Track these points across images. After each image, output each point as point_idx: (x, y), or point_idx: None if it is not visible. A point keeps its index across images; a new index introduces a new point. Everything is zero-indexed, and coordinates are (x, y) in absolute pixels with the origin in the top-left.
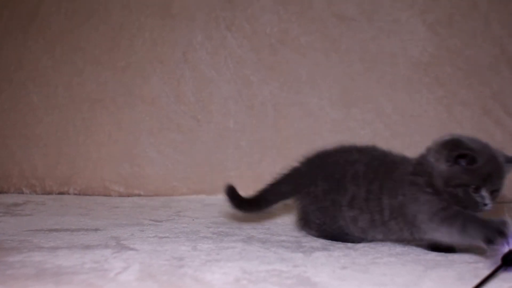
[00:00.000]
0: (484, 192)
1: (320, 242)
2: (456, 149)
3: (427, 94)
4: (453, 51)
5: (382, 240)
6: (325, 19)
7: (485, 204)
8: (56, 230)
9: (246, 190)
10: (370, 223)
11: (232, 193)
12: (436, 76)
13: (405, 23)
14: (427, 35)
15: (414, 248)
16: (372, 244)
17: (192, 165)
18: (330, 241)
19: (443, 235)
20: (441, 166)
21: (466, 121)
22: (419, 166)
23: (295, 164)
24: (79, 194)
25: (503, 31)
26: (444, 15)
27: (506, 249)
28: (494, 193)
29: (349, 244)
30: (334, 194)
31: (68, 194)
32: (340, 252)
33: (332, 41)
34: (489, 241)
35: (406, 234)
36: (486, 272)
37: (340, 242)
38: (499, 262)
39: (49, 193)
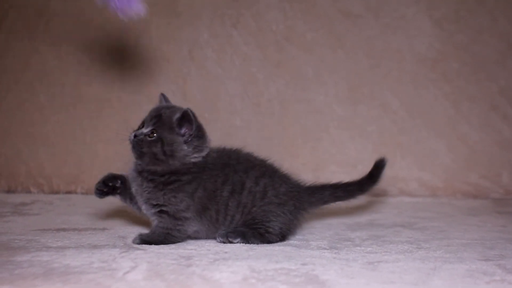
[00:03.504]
0: None
1: (328, 240)
2: None
3: (434, 90)
4: (460, 46)
5: None
6: (331, 16)
7: None
8: (64, 229)
9: None
10: None
11: None
12: (443, 72)
13: (412, 19)
14: (434, 31)
15: (423, 245)
16: (379, 242)
17: None
18: (337, 239)
19: None
20: None
21: (473, 117)
22: None
23: None
24: (87, 193)
25: (510, 27)
26: (451, 11)
27: None
28: None
29: (357, 242)
30: None
31: (76, 193)
32: (347, 250)
33: (338, 38)
34: None
35: None
36: (495, 269)
37: (345, 240)
38: None
39: (57, 192)
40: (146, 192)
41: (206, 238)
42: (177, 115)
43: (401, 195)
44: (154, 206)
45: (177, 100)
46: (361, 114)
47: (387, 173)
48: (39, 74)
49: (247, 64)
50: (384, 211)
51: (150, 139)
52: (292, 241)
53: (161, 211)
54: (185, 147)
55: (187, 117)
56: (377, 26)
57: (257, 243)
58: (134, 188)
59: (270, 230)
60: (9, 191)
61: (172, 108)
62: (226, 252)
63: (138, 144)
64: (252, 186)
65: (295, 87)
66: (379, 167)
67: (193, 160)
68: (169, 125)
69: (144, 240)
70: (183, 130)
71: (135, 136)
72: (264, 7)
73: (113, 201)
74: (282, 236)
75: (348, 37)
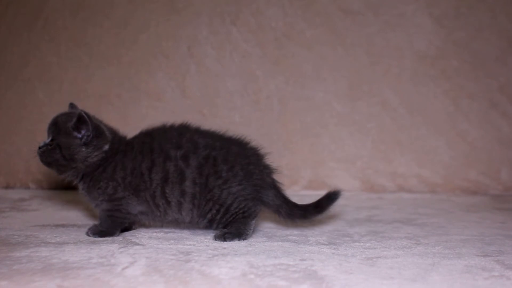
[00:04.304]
0: None
1: (326, 236)
2: None
3: (433, 87)
4: (459, 44)
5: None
6: (330, 13)
7: None
8: (63, 225)
9: None
10: None
11: None
12: (442, 69)
13: (411, 16)
14: (433, 28)
15: (422, 241)
16: (378, 238)
17: None
18: (335, 235)
19: None
20: None
21: (473, 114)
22: None
23: None
24: None
25: (509, 24)
26: (450, 8)
27: None
28: None
29: (356, 237)
30: None
31: (75, 189)
32: (346, 246)
33: (337, 35)
34: None
35: None
36: (494, 265)
37: (344, 236)
38: None
39: (55, 188)
40: (87, 199)
41: (158, 224)
42: (74, 120)
43: (400, 191)
44: (97, 204)
45: (176, 97)
46: (361, 111)
47: (386, 169)
48: (38, 71)
49: (246, 61)
50: (383, 207)
51: (50, 147)
52: (291, 236)
53: (101, 201)
54: (83, 148)
55: (82, 120)
56: (376, 23)
57: (248, 227)
58: None
59: (242, 211)
60: (8, 187)
61: (68, 114)
62: (225, 248)
63: (42, 155)
64: (196, 177)
65: (294, 84)
66: (330, 199)
67: (94, 159)
68: (65, 131)
69: (95, 230)
70: (82, 133)
71: (39, 148)
72: (263, 4)
73: None
74: (255, 201)
75: (347, 34)
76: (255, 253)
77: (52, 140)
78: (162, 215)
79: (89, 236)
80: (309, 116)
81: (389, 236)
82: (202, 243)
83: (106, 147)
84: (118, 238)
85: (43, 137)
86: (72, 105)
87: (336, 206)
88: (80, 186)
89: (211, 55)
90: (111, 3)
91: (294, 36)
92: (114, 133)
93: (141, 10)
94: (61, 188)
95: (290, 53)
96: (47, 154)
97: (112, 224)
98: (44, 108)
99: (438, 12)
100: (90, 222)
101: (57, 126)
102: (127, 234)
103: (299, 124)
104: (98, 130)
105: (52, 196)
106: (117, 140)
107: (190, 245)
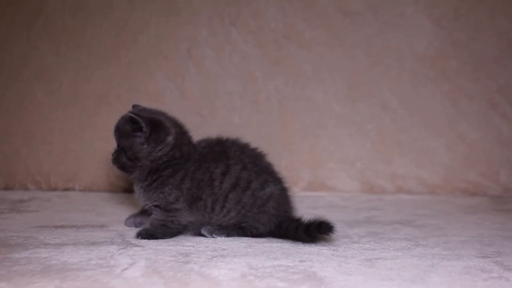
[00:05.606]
0: None
1: (325, 237)
2: None
3: (433, 88)
4: (459, 45)
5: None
6: (330, 14)
7: None
8: (62, 226)
9: None
10: None
11: None
12: (442, 70)
13: (411, 17)
14: (433, 29)
15: (421, 242)
16: (377, 239)
17: None
18: (335, 236)
19: None
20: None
21: (472, 115)
22: None
23: None
24: (85, 191)
25: (509, 25)
26: (450, 8)
27: None
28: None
29: (355, 239)
30: None
31: (74, 190)
32: (345, 247)
33: (337, 36)
34: None
35: None
36: (493, 266)
37: (343, 237)
38: None
39: (55, 189)
40: (141, 196)
41: (200, 226)
42: (129, 122)
43: (399, 193)
44: (150, 205)
45: (175, 98)
46: (360, 112)
47: (386, 170)
48: (37, 71)
49: (245, 62)
50: (382, 209)
51: (117, 153)
52: None
53: (155, 206)
54: (145, 145)
55: (133, 121)
56: (376, 24)
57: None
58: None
59: (254, 231)
60: (6, 188)
61: (124, 117)
62: (224, 249)
63: (114, 162)
64: (257, 189)
65: (294, 85)
66: (321, 230)
67: (159, 153)
68: (125, 133)
69: (147, 233)
70: (142, 132)
71: (111, 155)
72: (263, 5)
73: (111, 198)
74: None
75: (347, 35)
76: (254, 254)
77: (118, 145)
78: (206, 219)
79: (139, 239)
80: (308, 117)
81: (388, 237)
82: (201, 244)
83: (170, 138)
84: (117, 240)
85: (43, 138)
86: (134, 107)
87: (335, 208)
88: (140, 184)
89: (211, 56)
90: (110, 4)
91: (293, 37)
92: (178, 126)
93: (141, 10)
94: (61, 190)
95: (290, 54)
96: (116, 159)
97: (164, 232)
98: (43, 108)
99: (438, 13)
100: (90, 224)
101: (118, 131)
102: (126, 235)
103: (298, 125)
104: (153, 123)
105: (51, 198)
106: (187, 141)
107: (189, 246)
